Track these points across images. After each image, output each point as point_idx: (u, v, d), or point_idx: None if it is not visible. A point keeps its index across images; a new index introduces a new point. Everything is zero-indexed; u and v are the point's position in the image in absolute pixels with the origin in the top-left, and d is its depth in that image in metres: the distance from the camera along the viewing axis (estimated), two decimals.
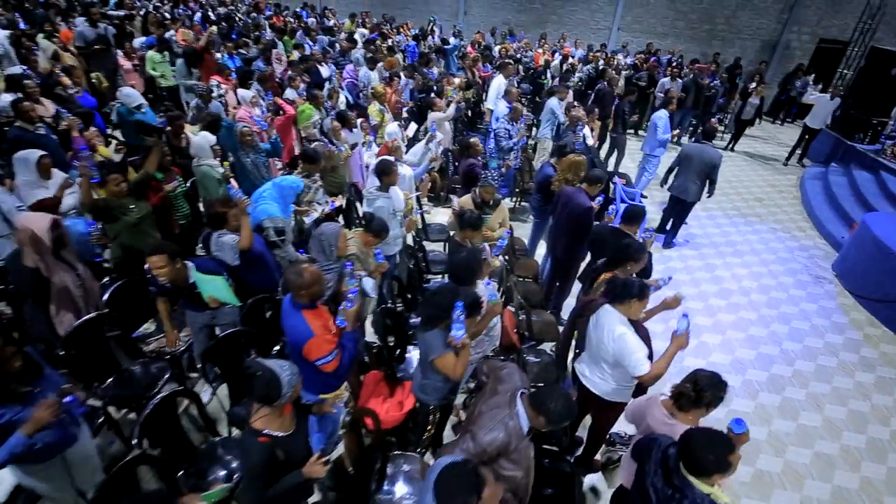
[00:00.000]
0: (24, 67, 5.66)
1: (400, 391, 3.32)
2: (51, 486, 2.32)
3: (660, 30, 13.86)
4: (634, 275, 3.23)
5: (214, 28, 8.12)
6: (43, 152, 3.83)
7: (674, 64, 10.99)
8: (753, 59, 12.71)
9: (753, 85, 9.89)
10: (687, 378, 2.32)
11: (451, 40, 11.00)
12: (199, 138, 4.23)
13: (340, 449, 3.07)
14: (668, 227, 6.41)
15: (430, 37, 11.78)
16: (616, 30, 14.19)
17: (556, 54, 11.38)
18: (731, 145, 10.43)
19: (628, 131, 8.78)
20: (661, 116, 6.92)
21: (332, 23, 12.84)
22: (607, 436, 3.38)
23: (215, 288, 2.95)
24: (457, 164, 6.96)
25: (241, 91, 5.98)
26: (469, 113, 8.53)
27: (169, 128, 4.61)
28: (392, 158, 4.08)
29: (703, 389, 2.22)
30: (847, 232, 6.69)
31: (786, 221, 7.58)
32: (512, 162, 6.09)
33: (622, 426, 3.27)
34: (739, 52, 12.92)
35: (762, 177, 9.37)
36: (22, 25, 8.22)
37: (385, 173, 3.78)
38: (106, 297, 3.37)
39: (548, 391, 2.19)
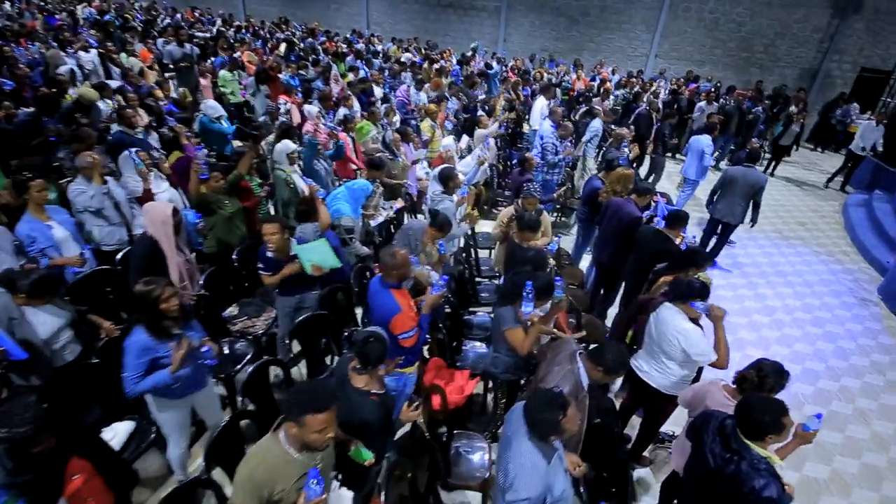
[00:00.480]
0: (123, 82, 6.35)
1: (460, 377, 3.58)
2: (173, 424, 2.68)
3: (697, 57, 14.10)
4: None
5: (282, 49, 8.79)
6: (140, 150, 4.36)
7: (712, 90, 11.19)
8: (792, 86, 12.76)
9: (794, 110, 9.98)
10: (751, 365, 2.52)
11: (494, 65, 11.50)
12: (281, 146, 4.69)
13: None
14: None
15: (472, 62, 12.33)
16: (653, 57, 14.50)
17: (595, 79, 11.78)
18: (770, 170, 10.48)
19: (667, 154, 8.97)
20: (707, 142, 7.02)
21: (379, 48, 13.58)
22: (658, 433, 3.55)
23: (317, 252, 3.32)
24: (500, 179, 7.33)
25: (307, 107, 6.51)
26: (510, 132, 8.92)
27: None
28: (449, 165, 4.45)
29: (766, 375, 2.42)
30: (892, 257, 6.68)
31: (829, 245, 7.58)
32: (554, 176, 6.40)
33: (669, 426, 3.45)
34: (778, 80, 13.01)
35: (804, 202, 9.37)
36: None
37: (450, 178, 4.15)
38: (201, 280, 3.79)
39: (603, 347, 2.50)
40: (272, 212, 5.17)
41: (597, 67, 13.39)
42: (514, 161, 7.77)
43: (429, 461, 2.91)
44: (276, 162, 4.76)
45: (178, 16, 14.85)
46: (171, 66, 7.64)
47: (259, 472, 1.83)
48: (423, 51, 13.44)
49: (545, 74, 11.72)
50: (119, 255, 3.91)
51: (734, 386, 2.56)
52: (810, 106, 12.19)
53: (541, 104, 8.41)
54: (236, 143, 4.84)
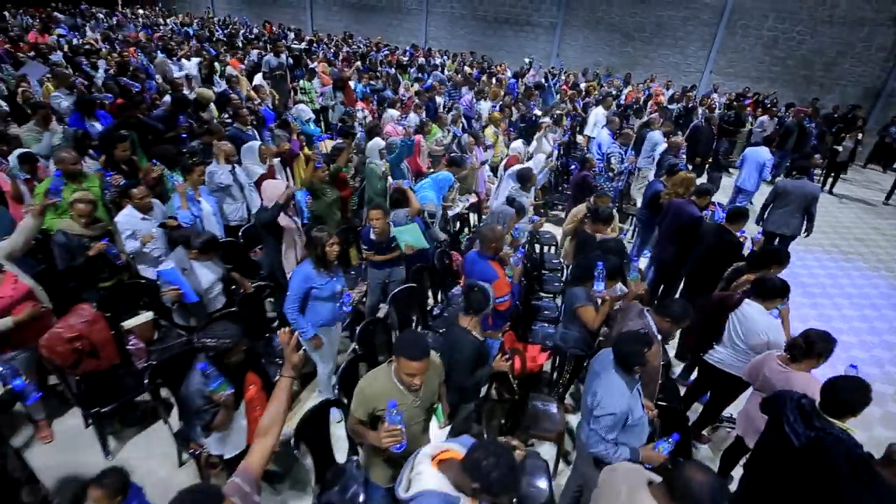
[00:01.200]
0: (227, 88, 7.22)
1: (532, 349, 4.02)
2: (323, 351, 3.30)
3: (754, 74, 14.10)
4: None
5: (358, 63, 9.60)
6: (261, 143, 5.07)
7: (769, 106, 11.25)
8: (846, 105, 12.59)
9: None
10: (799, 335, 2.84)
11: (551, 78, 11.98)
12: (373, 143, 5.31)
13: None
14: None
15: (527, 75, 12.85)
16: (708, 73, 14.59)
17: (646, 93, 12.09)
18: (828, 188, 10.41)
19: (723, 170, 9.15)
20: (767, 155, 7.16)
21: (438, 61, 14.32)
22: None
23: (411, 234, 3.87)
24: (558, 184, 7.76)
25: (388, 111, 7.18)
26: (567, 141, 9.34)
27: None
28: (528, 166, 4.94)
29: (813, 342, 2.74)
30: None
31: (888, 261, 7.56)
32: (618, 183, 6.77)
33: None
34: (838, 99, 12.86)
35: (862, 219, 9.30)
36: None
37: (528, 178, 4.66)
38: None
39: (668, 301, 2.94)
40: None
41: (647, 82, 13.66)
42: (572, 167, 8.17)
43: (511, 411, 3.36)
44: (368, 157, 5.38)
45: (256, 29, 16.13)
46: (266, 74, 8.52)
47: (368, 389, 2.28)
48: (478, 64, 14.07)
49: (596, 88, 12.12)
50: (241, 230, 4.59)
51: (786, 354, 2.87)
52: (871, 126, 11.99)
53: (597, 113, 8.81)
54: (331, 142, 5.49)
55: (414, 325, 4.22)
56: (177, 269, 3.20)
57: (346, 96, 8.69)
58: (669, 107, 11.13)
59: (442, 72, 12.67)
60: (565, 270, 5.26)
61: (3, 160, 4.44)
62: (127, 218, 3.63)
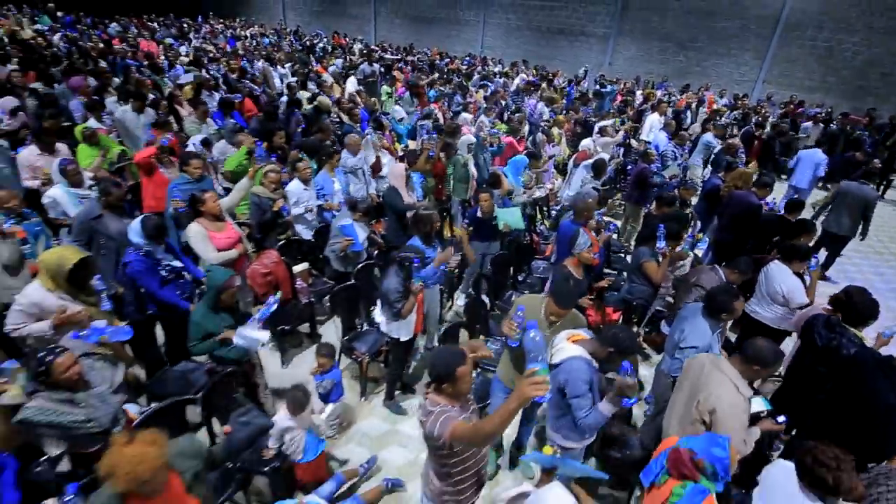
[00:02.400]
0: (321, 91, 8.41)
1: (608, 310, 4.83)
2: (427, 301, 4.19)
3: (808, 84, 14.36)
4: None
5: (436, 75, 10.69)
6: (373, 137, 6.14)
7: (821, 114, 11.60)
8: None
9: None
10: (840, 291, 3.54)
11: (608, 86, 12.75)
12: (465, 138, 6.27)
13: None
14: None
15: (582, 81, 13.62)
16: (761, 82, 14.93)
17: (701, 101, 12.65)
18: (879, 192, 10.68)
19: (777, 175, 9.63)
20: (821, 156, 7.67)
21: (497, 69, 15.27)
22: None
23: (512, 216, 4.76)
24: (618, 178, 8.51)
25: (463, 115, 8.16)
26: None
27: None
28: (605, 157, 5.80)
29: (852, 294, 3.41)
30: None
31: None
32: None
33: None
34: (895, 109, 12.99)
35: None
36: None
37: (601, 169, 5.51)
38: None
39: (736, 259, 3.69)
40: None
41: (701, 91, 14.15)
42: (629, 167, 8.90)
43: None
44: (458, 150, 6.34)
45: (325, 39, 17.59)
46: (360, 81, 9.70)
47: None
48: (536, 71, 14.95)
49: (654, 96, 12.77)
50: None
51: (831, 307, 3.57)
52: None
53: (653, 118, 9.51)
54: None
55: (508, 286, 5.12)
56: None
57: (420, 100, 9.75)
58: (726, 115, 11.61)
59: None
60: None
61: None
62: (294, 188, 4.69)
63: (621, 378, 2.30)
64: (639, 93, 13.14)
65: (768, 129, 10.39)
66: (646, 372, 4.47)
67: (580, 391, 2.44)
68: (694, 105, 12.16)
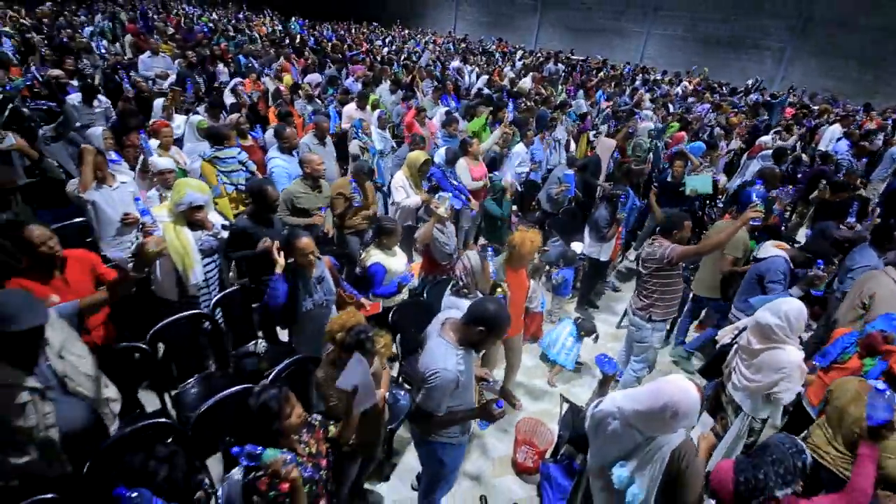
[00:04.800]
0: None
1: None
2: None
3: None
4: None
5: (600, 77, 11.92)
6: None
7: None
8: None
9: None
10: None
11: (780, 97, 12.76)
12: (643, 125, 7.43)
13: None
14: None
15: (752, 93, 13.69)
16: None
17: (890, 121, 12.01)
18: None
19: None
20: None
21: (657, 77, 15.87)
22: None
23: (702, 182, 5.73)
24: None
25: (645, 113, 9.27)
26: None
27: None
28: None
29: None
30: None
31: None
32: None
33: None
34: None
35: None
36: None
37: (783, 156, 6.27)
38: None
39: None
40: None
41: (887, 112, 13.28)
42: (799, 175, 9.17)
43: None
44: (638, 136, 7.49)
45: (493, 45, 19.64)
46: (545, 77, 11.32)
47: None
48: (699, 81, 15.25)
49: (830, 111, 12.48)
50: None
51: None
52: None
53: (834, 129, 9.60)
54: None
55: None
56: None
57: (589, 97, 10.99)
58: None
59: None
60: None
61: None
62: (518, 150, 6.29)
63: (815, 270, 3.31)
64: (816, 108, 12.86)
65: None
66: None
67: (777, 278, 3.54)
68: (889, 127, 11.61)
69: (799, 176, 9.52)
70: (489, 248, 3.02)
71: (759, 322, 2.75)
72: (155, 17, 15.36)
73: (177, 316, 2.95)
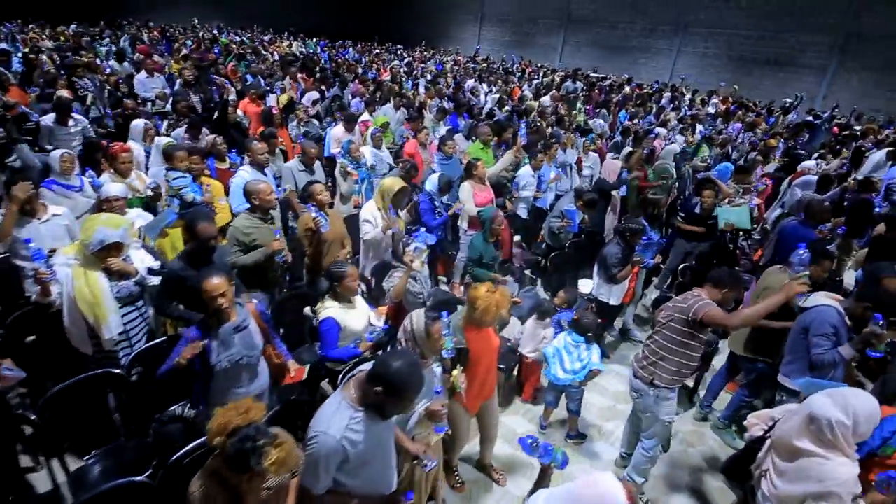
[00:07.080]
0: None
1: None
2: None
3: None
4: None
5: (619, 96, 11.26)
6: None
7: None
8: None
9: None
10: None
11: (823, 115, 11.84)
12: (669, 147, 6.74)
13: None
14: None
15: (791, 112, 12.73)
16: None
17: None
18: None
19: None
20: None
21: (688, 97, 15.06)
22: None
23: (738, 215, 4.98)
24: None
25: (658, 128, 8.57)
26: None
27: None
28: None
29: None
30: None
31: None
32: None
33: None
34: None
35: None
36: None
37: (829, 183, 5.51)
38: None
39: None
40: None
41: None
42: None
43: None
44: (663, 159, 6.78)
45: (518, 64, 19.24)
46: (563, 96, 10.77)
47: None
48: (731, 98, 14.38)
49: (875, 131, 11.43)
50: None
51: None
52: None
53: (881, 154, 8.63)
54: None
55: None
56: None
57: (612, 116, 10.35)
58: None
59: (690, 107, 13.44)
60: None
61: None
62: (524, 172, 5.71)
63: (872, 326, 2.58)
64: (859, 128, 11.80)
65: None
66: None
67: (824, 331, 2.80)
68: None
69: (845, 204, 8.57)
70: (444, 313, 2.40)
71: (815, 413, 2.05)
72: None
73: (69, 381, 2.44)
